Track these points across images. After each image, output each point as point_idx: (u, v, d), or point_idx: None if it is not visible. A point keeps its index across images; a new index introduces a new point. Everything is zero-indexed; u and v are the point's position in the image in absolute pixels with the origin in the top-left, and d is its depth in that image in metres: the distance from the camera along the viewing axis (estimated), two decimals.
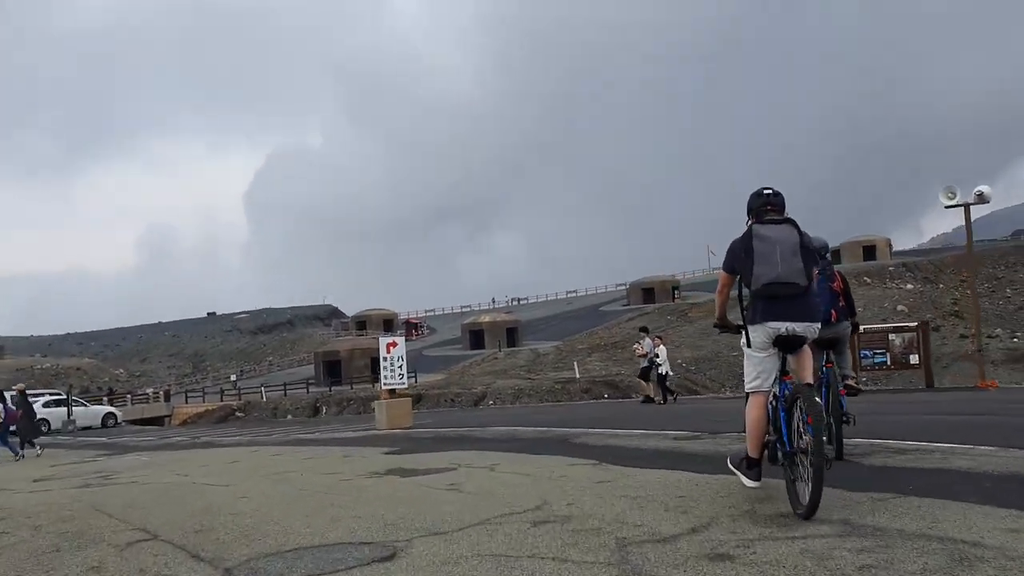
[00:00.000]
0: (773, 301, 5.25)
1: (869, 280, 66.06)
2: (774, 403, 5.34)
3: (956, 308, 48.94)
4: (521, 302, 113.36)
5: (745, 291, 5.44)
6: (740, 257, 5.39)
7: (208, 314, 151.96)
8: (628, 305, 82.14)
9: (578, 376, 26.43)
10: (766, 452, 5.40)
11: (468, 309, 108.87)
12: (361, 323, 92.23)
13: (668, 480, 6.59)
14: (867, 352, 22.13)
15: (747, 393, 5.50)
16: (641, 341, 23.04)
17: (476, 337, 67.06)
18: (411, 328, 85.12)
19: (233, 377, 70.32)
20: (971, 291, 20.16)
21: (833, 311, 7.24)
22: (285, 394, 48.32)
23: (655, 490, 6.09)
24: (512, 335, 66.04)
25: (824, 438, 4.96)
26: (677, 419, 13.74)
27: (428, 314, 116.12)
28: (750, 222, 5.50)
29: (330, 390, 48.28)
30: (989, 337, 28.14)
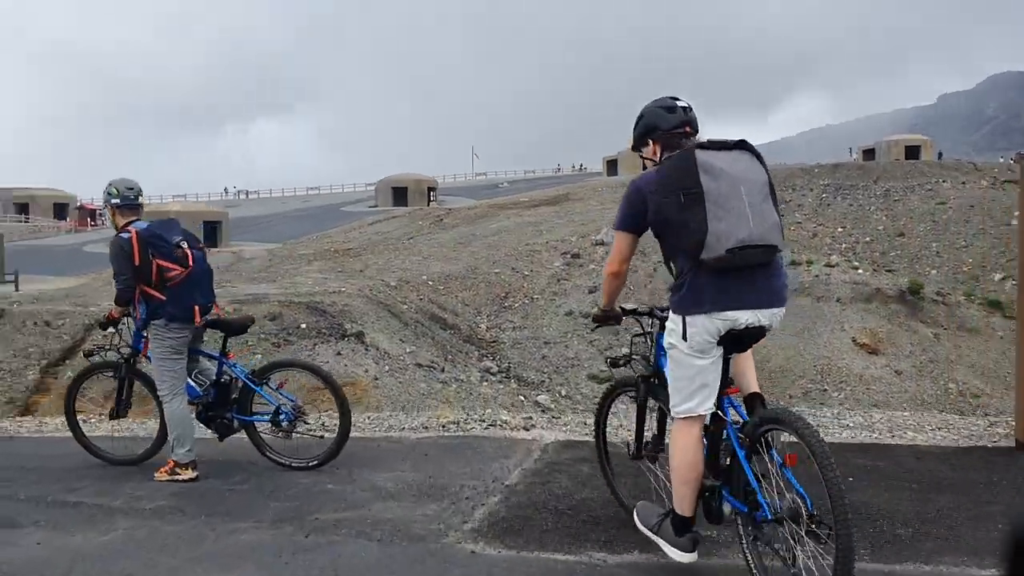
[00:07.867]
0: (733, 276, 3.08)
1: None
2: (712, 429, 3.25)
3: None
4: (251, 195, 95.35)
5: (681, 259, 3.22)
6: (671, 205, 3.11)
7: None
8: (376, 207, 68.51)
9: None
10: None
11: (183, 199, 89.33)
12: (22, 206, 70.34)
13: None
14: None
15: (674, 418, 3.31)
16: None
17: None
18: (87, 215, 65.39)
19: None
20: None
21: None
22: None
23: None
24: (214, 232, 50.19)
25: (843, 498, 2.77)
26: None
27: None
28: (655, 151, 3.37)
29: None
30: (828, 267, 20.94)
